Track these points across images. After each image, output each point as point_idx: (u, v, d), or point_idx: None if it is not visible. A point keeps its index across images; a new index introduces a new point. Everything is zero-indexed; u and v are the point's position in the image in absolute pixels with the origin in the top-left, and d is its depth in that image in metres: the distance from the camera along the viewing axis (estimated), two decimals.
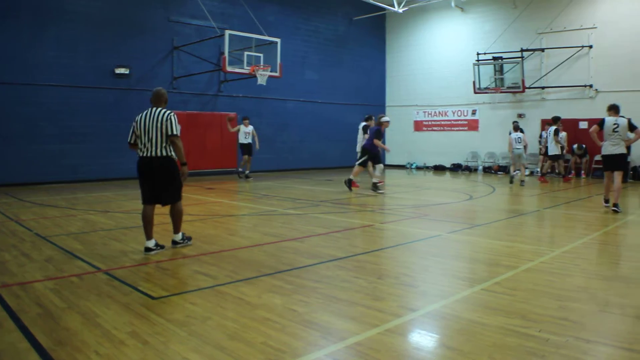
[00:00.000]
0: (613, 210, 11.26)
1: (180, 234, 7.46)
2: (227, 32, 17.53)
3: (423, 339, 4.18)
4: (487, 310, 4.73)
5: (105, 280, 5.66)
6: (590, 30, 21.30)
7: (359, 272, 6.00)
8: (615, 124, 11.29)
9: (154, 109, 7.13)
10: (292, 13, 22.80)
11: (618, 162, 11.44)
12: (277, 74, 18.73)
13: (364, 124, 16.70)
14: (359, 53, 26.13)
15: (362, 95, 26.12)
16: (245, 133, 18.68)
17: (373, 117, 16.65)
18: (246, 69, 18.19)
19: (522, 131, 18.39)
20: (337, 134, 23.87)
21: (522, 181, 17.81)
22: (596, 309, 4.84)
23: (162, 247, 7.23)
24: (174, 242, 7.43)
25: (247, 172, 19.04)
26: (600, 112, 18.24)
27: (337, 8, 24.85)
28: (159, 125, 6.94)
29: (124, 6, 17.83)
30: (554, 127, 17.93)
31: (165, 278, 5.74)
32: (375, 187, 14.68)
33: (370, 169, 14.99)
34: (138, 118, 7.10)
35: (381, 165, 15.10)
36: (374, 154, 14.84)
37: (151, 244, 7.11)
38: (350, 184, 15.09)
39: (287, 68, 20.27)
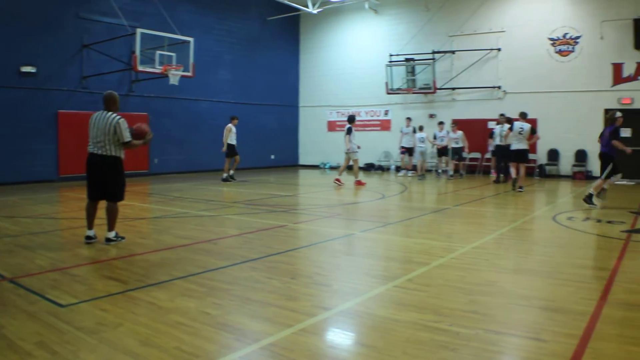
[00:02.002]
0: (518, 190, 15.05)
1: (113, 232, 7.64)
2: (139, 31, 17.14)
3: (337, 337, 4.26)
4: (400, 306, 4.86)
5: (10, 289, 5.43)
6: (499, 33, 22.07)
7: (273, 273, 6.03)
8: (521, 127, 15.04)
9: (105, 112, 7.42)
10: (206, 12, 22.51)
11: (522, 155, 15.17)
12: (189, 74, 18.48)
13: (348, 126, 16.92)
14: (273, 53, 26.08)
15: (276, 95, 26.12)
16: (234, 133, 18.37)
17: (355, 118, 16.94)
18: (158, 69, 17.83)
19: (415, 130, 19.97)
20: (251, 135, 23.73)
21: (422, 175, 19.36)
22: (504, 302, 5.07)
23: (122, 238, 7.73)
24: (107, 240, 7.57)
25: (232, 172, 18.63)
26: (508, 112, 19.05)
27: (251, 8, 24.69)
28: (107, 129, 7.27)
29: (31, 1, 17.06)
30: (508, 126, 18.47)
31: (74, 284, 5.57)
32: (590, 198, 12.23)
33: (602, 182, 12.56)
34: (92, 117, 7.45)
35: (619, 175, 12.60)
36: (613, 159, 12.22)
37: (91, 233, 7.59)
38: (591, 199, 12.24)
39: (200, 68, 20.02)
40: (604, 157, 12.35)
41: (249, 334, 4.19)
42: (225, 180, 18.28)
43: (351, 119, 17.24)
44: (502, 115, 18.43)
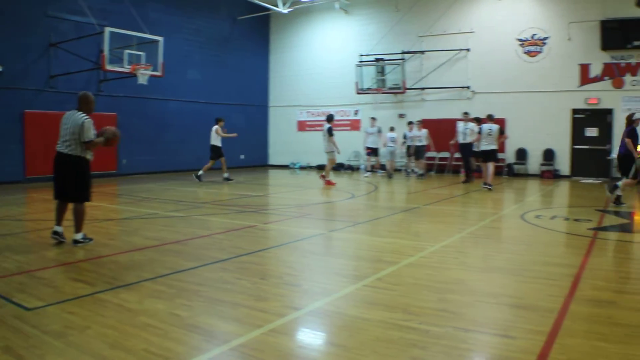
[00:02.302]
0: (488, 188, 15.40)
1: (81, 233, 7.54)
2: (107, 30, 16.90)
3: (307, 337, 4.26)
4: (370, 305, 4.87)
5: None
6: (468, 34, 22.26)
7: (242, 274, 6.00)
8: (489, 128, 15.89)
9: (76, 111, 7.41)
10: (176, 11, 22.29)
11: (491, 155, 15.92)
12: (159, 74, 18.31)
13: (329, 125, 16.95)
14: (242, 53, 25.95)
15: (245, 95, 25.98)
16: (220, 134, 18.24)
17: (333, 118, 16.97)
18: (127, 68, 17.62)
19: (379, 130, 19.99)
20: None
21: (390, 174, 19.60)
22: (473, 300, 5.11)
23: (90, 239, 7.63)
24: (75, 241, 7.47)
25: (201, 172, 18.51)
26: (476, 112, 19.27)
27: (221, 7, 24.52)
28: (73, 127, 7.25)
29: None
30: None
31: (41, 287, 5.47)
32: (618, 200, 12.28)
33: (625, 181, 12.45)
34: (63, 116, 7.48)
35: None
36: (633, 158, 12.13)
37: (59, 229, 7.52)
38: (619, 199, 12.22)
39: (170, 67, 19.82)
40: (625, 158, 12.36)
41: (218, 335, 4.17)
42: (227, 179, 18.39)
43: (330, 118, 17.39)
44: (465, 113, 18.51)
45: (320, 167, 24.47)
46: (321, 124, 25.63)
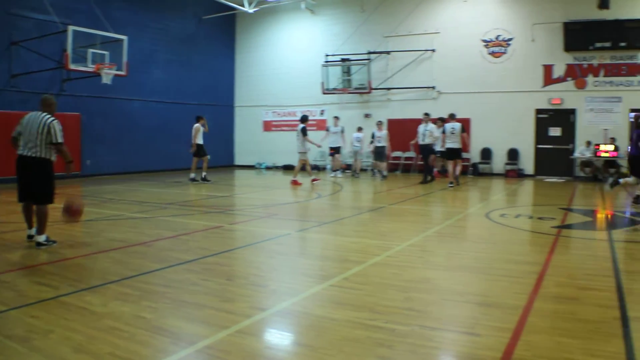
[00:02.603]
0: (453, 185, 16.44)
1: (44, 235, 7.41)
2: (71, 28, 16.65)
3: (274, 337, 4.26)
4: (336, 305, 4.88)
5: None
6: (433, 35, 22.43)
7: (208, 275, 5.97)
8: (452, 127, 16.69)
9: (40, 113, 7.37)
10: (140, 10, 22.01)
11: (456, 153, 16.69)
12: (123, 73, 18.10)
13: (302, 126, 17.00)
14: (208, 53, 25.77)
15: (211, 95, 25.79)
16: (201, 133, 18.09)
17: (335, 119, 16.93)
18: (91, 67, 17.38)
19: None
20: (186, 135, 23.37)
21: (356, 172, 19.74)
22: (439, 298, 5.16)
23: (54, 242, 7.51)
24: (38, 244, 7.36)
25: (204, 174, 18.31)
26: (442, 112, 19.41)
27: (186, 6, 24.30)
28: (40, 129, 7.19)
29: None
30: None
31: (3, 291, 5.35)
32: (638, 199, 12.26)
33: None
34: (24, 117, 7.39)
35: None
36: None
37: (32, 231, 7.55)
38: (638, 199, 12.22)
39: (134, 67, 19.62)
40: (635, 160, 12.21)
41: (184, 337, 4.14)
42: (193, 180, 18.15)
43: (304, 118, 17.47)
44: (426, 114, 18.55)
45: (288, 168, 24.52)
46: (287, 123, 25.80)
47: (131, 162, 21.67)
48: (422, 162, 18.40)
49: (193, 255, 6.92)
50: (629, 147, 12.69)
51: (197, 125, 18.10)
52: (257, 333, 4.29)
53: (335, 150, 20.90)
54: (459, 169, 17.03)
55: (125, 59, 18.05)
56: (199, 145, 18.08)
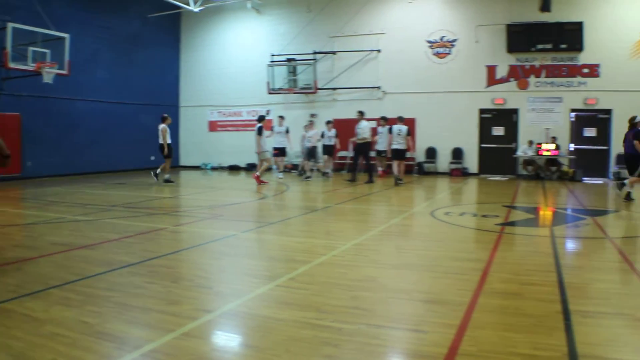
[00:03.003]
0: (399, 183, 17.11)
1: None
2: (10, 25, 16.20)
3: (221, 339, 4.22)
4: (282, 305, 4.87)
5: None
6: (379, 35, 22.65)
7: (153, 277, 5.88)
8: (399, 129, 17.57)
9: None
10: (83, 7, 21.44)
11: (400, 153, 17.67)
12: (65, 72, 17.74)
13: (259, 125, 16.92)
14: (153, 52, 25.36)
15: (156, 95, 25.36)
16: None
17: (265, 117, 16.82)
18: (31, 66, 16.93)
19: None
20: (130, 136, 23.10)
21: (308, 177, 19.36)
22: (385, 296, 5.19)
23: None
24: None
25: (158, 171, 17.94)
26: (387, 112, 19.65)
27: (131, 5, 23.78)
28: None
29: None
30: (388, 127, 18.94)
31: None
32: (629, 195, 12.85)
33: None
34: None
35: None
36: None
37: None
38: (629, 196, 12.83)
39: (77, 66, 19.19)
40: (631, 158, 12.90)
41: (129, 341, 4.06)
42: (167, 181, 17.87)
43: (261, 118, 17.48)
44: (360, 112, 18.60)
45: (233, 168, 24.42)
46: (233, 124, 25.71)
47: (73, 163, 21.16)
48: (364, 162, 18.44)
49: (137, 258, 6.81)
50: (624, 147, 13.30)
51: (163, 125, 17.73)
52: (203, 335, 4.24)
53: (279, 151, 20.34)
54: (402, 167, 17.83)
55: (67, 57, 17.69)
56: (168, 146, 17.75)
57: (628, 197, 12.75)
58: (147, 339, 4.05)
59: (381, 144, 19.11)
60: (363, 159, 18.18)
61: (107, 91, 22.61)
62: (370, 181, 17.66)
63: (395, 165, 17.83)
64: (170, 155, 17.82)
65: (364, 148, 17.86)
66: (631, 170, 12.89)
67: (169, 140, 17.68)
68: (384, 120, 18.80)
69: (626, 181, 13.04)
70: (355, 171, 18.22)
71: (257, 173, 17.25)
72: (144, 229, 9.16)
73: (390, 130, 17.99)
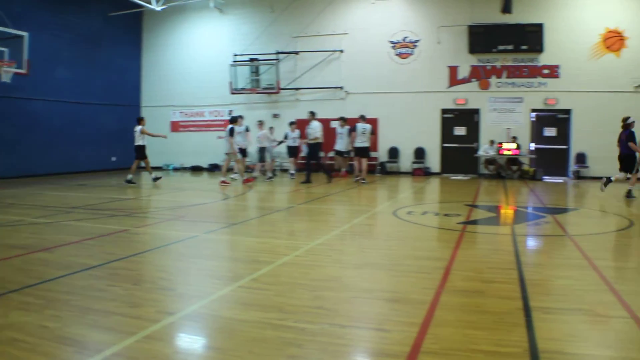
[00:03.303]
0: (362, 182, 17.44)
1: None
2: None
3: (183, 341, 4.18)
4: (245, 306, 4.85)
5: None
6: (342, 35, 22.75)
7: (115, 280, 5.80)
8: (364, 128, 17.70)
9: None
10: (43, 5, 21.00)
11: (365, 151, 17.77)
12: (23, 71, 17.46)
13: (230, 126, 16.94)
14: (114, 51, 24.97)
15: (117, 95, 25.03)
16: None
17: (239, 119, 16.91)
18: None
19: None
20: (91, 136, 22.79)
21: (270, 177, 19.42)
22: (348, 296, 5.21)
23: None
24: None
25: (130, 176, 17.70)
26: (349, 113, 19.76)
27: (92, 3, 23.42)
28: None
29: None
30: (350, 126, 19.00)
31: None
32: (630, 193, 13.45)
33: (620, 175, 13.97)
34: None
35: None
36: (635, 156, 13.64)
37: None
38: (630, 193, 13.45)
39: (36, 65, 18.85)
40: (627, 157, 13.68)
41: (90, 345, 4.00)
42: (156, 178, 17.97)
43: (234, 119, 17.59)
44: (311, 113, 18.78)
45: (196, 169, 24.24)
46: (195, 124, 25.57)
47: (33, 164, 20.74)
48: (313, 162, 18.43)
49: (98, 261, 6.72)
50: (619, 147, 13.87)
51: (140, 127, 17.66)
52: (165, 338, 4.21)
53: (240, 151, 19.23)
54: (364, 165, 17.88)
55: (26, 56, 17.41)
56: (140, 147, 17.63)
57: (629, 195, 13.29)
58: (108, 343, 3.99)
59: (341, 144, 19.09)
60: (315, 160, 18.23)
61: (67, 91, 22.24)
62: (329, 180, 17.85)
63: (358, 163, 18.13)
64: (138, 157, 17.73)
65: (315, 148, 17.98)
66: (626, 168, 13.59)
67: (138, 143, 17.67)
68: (344, 121, 18.86)
69: (612, 177, 13.84)
70: (309, 172, 18.09)
71: (244, 177, 17.68)
72: (105, 231, 9.03)
73: (354, 129, 17.99)
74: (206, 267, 6.60)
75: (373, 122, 20.23)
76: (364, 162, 17.88)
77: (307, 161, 18.52)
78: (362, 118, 18.16)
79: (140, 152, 17.70)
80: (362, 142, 17.67)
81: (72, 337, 4.13)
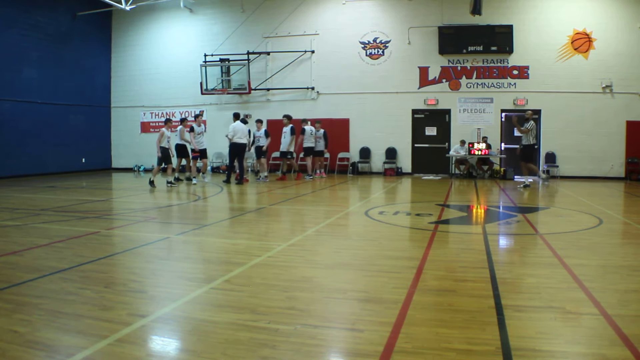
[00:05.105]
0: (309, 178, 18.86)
1: None
2: None
3: (156, 344, 4.14)
4: (218, 308, 4.83)
5: None
6: (312, 36, 22.76)
7: (85, 283, 5.74)
8: (311, 129, 19.44)
9: None
10: (9, 3, 20.58)
11: (319, 153, 19.70)
12: None
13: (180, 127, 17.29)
14: (83, 51, 24.63)
15: (86, 95, 24.73)
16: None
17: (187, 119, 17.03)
18: None
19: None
20: (59, 138, 22.50)
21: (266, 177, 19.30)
22: (321, 296, 5.21)
23: None
24: None
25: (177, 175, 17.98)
26: (320, 113, 19.82)
27: (60, 1, 23.10)
28: None
29: None
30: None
31: None
32: None
33: None
34: None
35: None
36: None
37: None
38: None
39: (2, 65, 18.59)
40: None
41: (61, 349, 3.95)
42: (171, 182, 17.48)
43: (182, 120, 17.61)
44: (258, 121, 19.34)
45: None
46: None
47: (0, 166, 20.41)
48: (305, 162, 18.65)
49: (69, 263, 6.63)
50: None
51: (180, 127, 17.98)
52: (138, 341, 4.17)
53: (201, 152, 18.74)
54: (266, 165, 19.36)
55: None
56: (182, 146, 17.98)
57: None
58: (79, 347, 3.95)
59: (285, 145, 19.22)
60: (235, 160, 17.85)
61: (35, 91, 21.89)
62: (239, 182, 17.66)
63: (312, 163, 19.75)
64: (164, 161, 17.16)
65: (235, 149, 17.55)
66: None
67: (178, 142, 17.88)
68: (288, 119, 18.87)
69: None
70: (230, 172, 18.08)
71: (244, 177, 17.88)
72: (75, 233, 8.92)
73: (302, 132, 19.46)
74: (178, 269, 6.56)
75: (344, 122, 20.39)
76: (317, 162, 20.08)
77: (240, 163, 18.00)
78: (317, 122, 20.16)
79: (182, 152, 18.07)
80: (312, 143, 19.76)
81: (42, 342, 4.08)
